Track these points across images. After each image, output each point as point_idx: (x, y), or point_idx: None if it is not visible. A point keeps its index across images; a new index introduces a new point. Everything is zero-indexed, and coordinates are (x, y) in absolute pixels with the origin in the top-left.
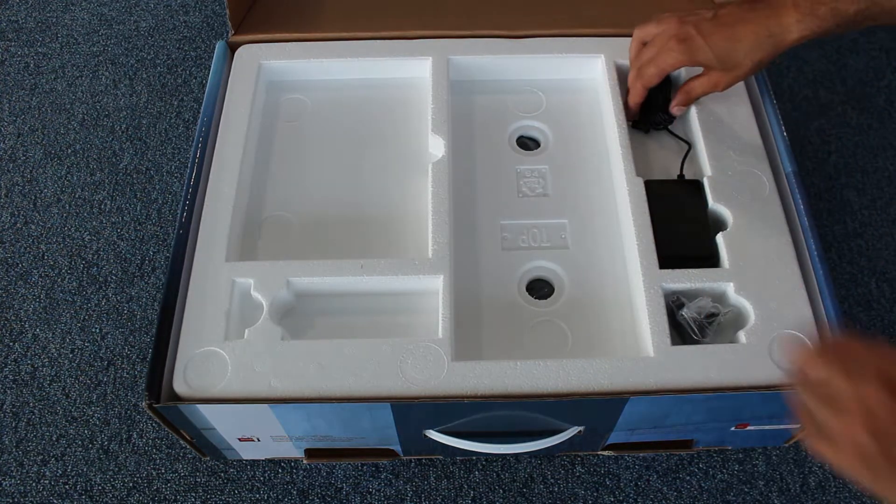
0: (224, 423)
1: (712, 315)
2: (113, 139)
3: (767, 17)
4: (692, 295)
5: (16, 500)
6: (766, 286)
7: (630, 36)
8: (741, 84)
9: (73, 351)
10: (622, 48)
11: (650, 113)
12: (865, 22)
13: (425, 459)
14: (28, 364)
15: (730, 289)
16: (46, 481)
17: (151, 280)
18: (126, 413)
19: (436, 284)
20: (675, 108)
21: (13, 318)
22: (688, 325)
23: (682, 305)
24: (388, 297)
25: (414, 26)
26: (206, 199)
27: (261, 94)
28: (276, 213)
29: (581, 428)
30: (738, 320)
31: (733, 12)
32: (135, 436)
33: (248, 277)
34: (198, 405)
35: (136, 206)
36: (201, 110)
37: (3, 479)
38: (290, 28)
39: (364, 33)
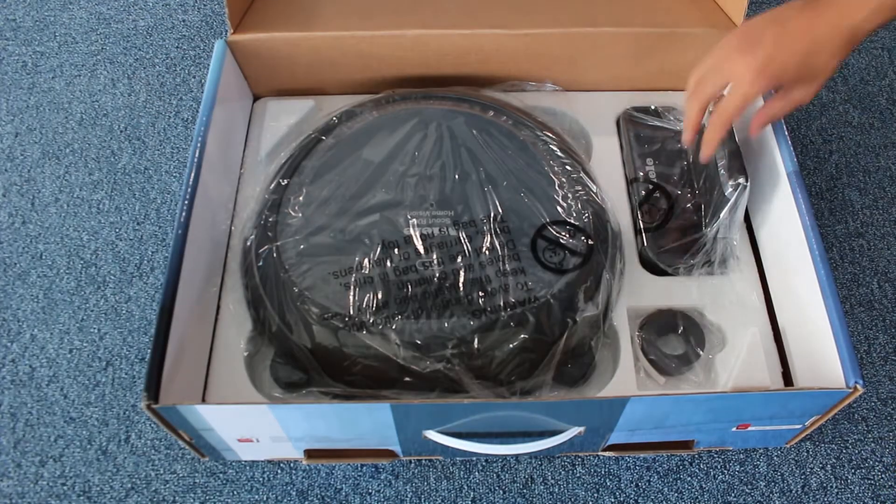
0: (223, 424)
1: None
2: (111, 138)
3: (836, 15)
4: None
5: (14, 501)
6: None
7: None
8: None
9: (71, 351)
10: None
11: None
12: None
13: (425, 460)
14: (26, 364)
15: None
16: (44, 482)
17: (150, 280)
18: (124, 413)
19: None
20: (754, 131)
21: (11, 318)
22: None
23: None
24: None
25: (412, 24)
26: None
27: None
28: None
29: (581, 428)
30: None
31: (799, 23)
32: (133, 436)
33: None
34: (196, 406)
35: (134, 205)
36: (200, 109)
37: (1, 481)
38: (290, 27)
39: (362, 32)
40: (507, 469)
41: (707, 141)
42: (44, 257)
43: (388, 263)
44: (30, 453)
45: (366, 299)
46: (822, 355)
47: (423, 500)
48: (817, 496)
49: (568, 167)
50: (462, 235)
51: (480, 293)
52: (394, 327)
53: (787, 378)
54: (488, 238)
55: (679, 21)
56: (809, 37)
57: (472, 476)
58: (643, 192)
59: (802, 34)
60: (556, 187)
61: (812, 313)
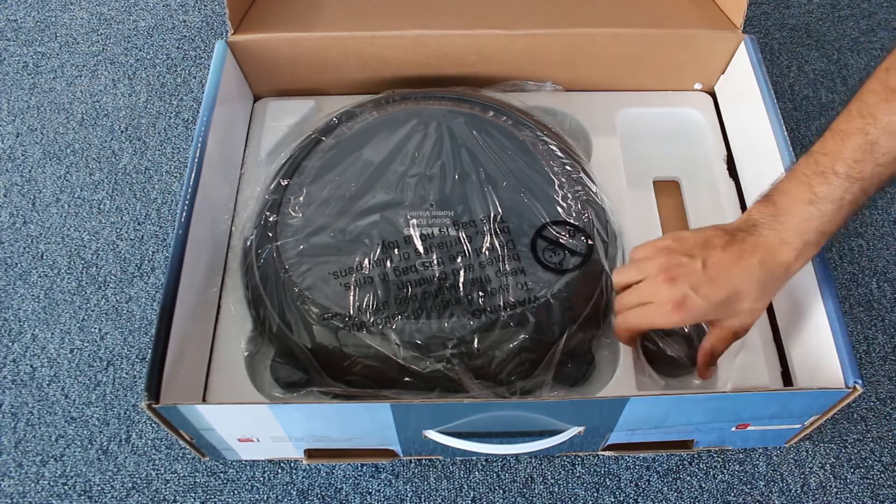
0: (223, 424)
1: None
2: (112, 139)
3: (762, 260)
4: None
5: (15, 500)
6: None
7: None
8: (742, 85)
9: (72, 351)
10: None
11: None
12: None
13: (425, 460)
14: (27, 364)
15: None
16: (45, 482)
17: (151, 280)
18: (125, 413)
19: None
20: (704, 374)
21: (12, 318)
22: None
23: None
24: None
25: (412, 24)
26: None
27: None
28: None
29: (581, 428)
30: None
31: (723, 261)
32: (134, 436)
33: None
34: (197, 406)
35: (135, 205)
36: (200, 110)
37: (2, 480)
38: (290, 27)
39: (363, 32)
40: (507, 469)
41: (622, 341)
42: (45, 257)
43: (388, 263)
44: (31, 453)
45: (366, 299)
46: (821, 355)
47: (423, 499)
48: (816, 496)
49: (568, 167)
50: (462, 235)
51: (480, 293)
52: (394, 327)
53: (787, 378)
54: (488, 238)
55: (679, 21)
56: (731, 282)
57: (472, 476)
58: None
59: (723, 278)
60: (556, 187)
61: (811, 313)
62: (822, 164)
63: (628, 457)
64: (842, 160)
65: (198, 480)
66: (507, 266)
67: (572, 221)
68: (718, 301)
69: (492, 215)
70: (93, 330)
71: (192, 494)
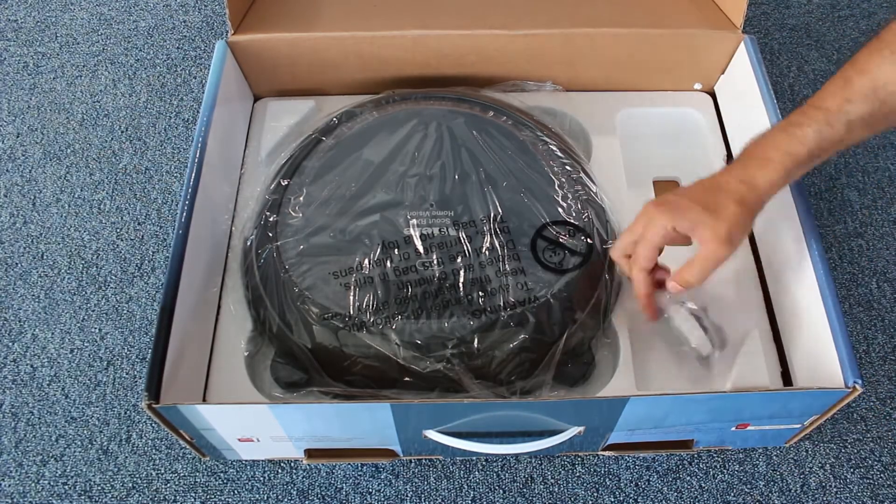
0: (223, 424)
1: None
2: (112, 139)
3: (731, 168)
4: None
5: (15, 500)
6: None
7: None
8: (742, 85)
9: (72, 351)
10: None
11: None
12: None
13: (425, 459)
14: (27, 364)
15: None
16: (46, 482)
17: (151, 280)
18: (125, 413)
19: None
20: (684, 278)
21: (12, 318)
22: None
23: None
24: None
25: (412, 25)
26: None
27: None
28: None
29: (581, 428)
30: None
31: (702, 180)
32: (134, 436)
33: None
34: (197, 406)
35: (135, 205)
36: (200, 110)
37: (3, 480)
38: (290, 27)
39: (363, 32)
40: (506, 468)
41: (638, 292)
42: (45, 257)
43: (388, 263)
44: (31, 453)
45: (366, 299)
46: (821, 355)
47: (423, 499)
48: (816, 495)
49: (568, 167)
50: (462, 235)
51: (480, 293)
52: (394, 327)
53: (787, 378)
54: (488, 238)
55: (679, 21)
56: (711, 181)
57: (472, 475)
58: None
59: (706, 182)
60: (556, 187)
61: (811, 313)
62: (805, 102)
63: (628, 457)
64: (819, 95)
65: (198, 480)
66: (507, 266)
67: (572, 221)
68: (696, 194)
69: (492, 215)
70: (93, 330)
71: (192, 494)
